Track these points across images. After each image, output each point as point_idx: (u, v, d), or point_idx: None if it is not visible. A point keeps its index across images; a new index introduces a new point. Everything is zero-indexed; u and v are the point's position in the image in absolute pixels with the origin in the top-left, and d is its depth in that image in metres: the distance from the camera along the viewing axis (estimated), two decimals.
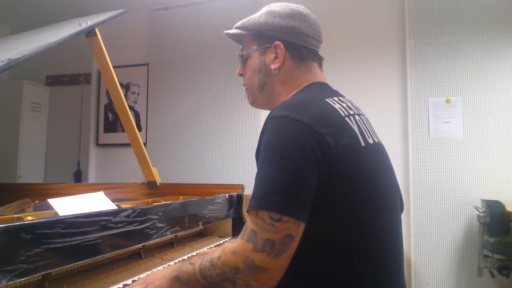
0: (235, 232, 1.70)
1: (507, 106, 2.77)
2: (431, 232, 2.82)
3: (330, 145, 0.77)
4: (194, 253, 1.38)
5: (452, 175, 2.82)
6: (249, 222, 0.76)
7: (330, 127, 0.80)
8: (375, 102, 2.97)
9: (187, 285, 0.81)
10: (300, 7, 1.00)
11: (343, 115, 0.86)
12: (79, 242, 0.86)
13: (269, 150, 0.78)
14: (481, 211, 2.50)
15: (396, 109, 2.98)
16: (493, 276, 2.51)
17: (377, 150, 0.90)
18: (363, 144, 0.84)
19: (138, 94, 3.63)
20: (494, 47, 2.81)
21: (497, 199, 2.52)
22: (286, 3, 1.00)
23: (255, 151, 0.86)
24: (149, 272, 1.09)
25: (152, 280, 0.88)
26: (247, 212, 0.78)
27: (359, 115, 0.92)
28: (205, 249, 1.42)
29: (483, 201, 2.60)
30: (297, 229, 0.74)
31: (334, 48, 3.07)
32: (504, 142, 2.75)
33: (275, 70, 0.97)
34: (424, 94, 2.91)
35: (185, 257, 1.32)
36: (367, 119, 0.97)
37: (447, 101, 2.86)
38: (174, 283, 0.84)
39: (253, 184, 0.80)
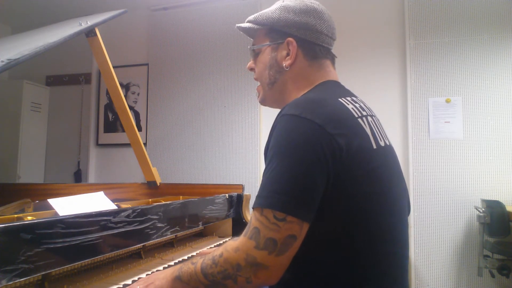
0: (235, 232, 1.70)
1: (507, 106, 2.76)
2: (431, 232, 2.82)
3: (341, 147, 0.76)
4: (194, 253, 1.38)
5: (452, 175, 2.82)
6: (253, 220, 0.76)
7: (342, 129, 0.78)
8: (375, 102, 2.95)
9: (188, 284, 0.81)
10: (315, 3, 0.97)
11: (356, 116, 0.84)
12: (79, 242, 0.86)
13: (279, 148, 0.77)
14: (481, 211, 2.50)
15: (396, 109, 2.98)
16: (493, 276, 2.51)
17: (388, 153, 0.89)
18: (374, 146, 0.83)
19: (138, 94, 3.63)
20: (494, 47, 2.81)
21: (497, 199, 2.52)
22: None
23: (264, 148, 0.86)
24: (149, 272, 1.10)
25: (153, 281, 0.87)
26: (252, 208, 0.78)
27: (371, 116, 0.91)
28: (205, 249, 1.42)
29: (483, 201, 2.60)
30: (301, 229, 0.74)
31: (334, 48, 3.05)
32: (504, 142, 2.75)
33: (287, 67, 0.95)
34: (424, 94, 2.90)
35: (185, 257, 1.32)
36: (378, 120, 0.95)
37: (447, 101, 2.86)
38: (175, 283, 0.83)
39: (260, 181, 0.79)
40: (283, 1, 0.98)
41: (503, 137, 2.76)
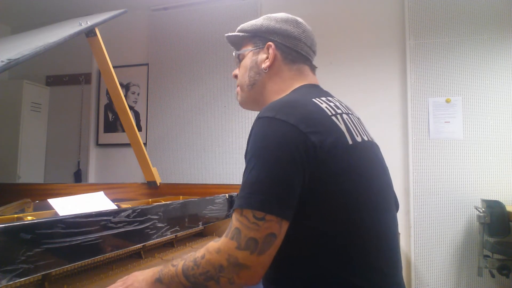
0: None
1: (507, 106, 2.76)
2: (431, 232, 2.82)
3: (315, 145, 0.78)
4: None
5: (452, 175, 2.82)
6: (234, 221, 0.77)
7: (315, 127, 0.81)
8: (375, 102, 2.97)
9: (168, 287, 0.82)
10: (298, 18, 1.04)
11: (330, 114, 0.87)
12: (79, 242, 0.86)
13: (255, 150, 0.81)
14: (481, 211, 2.50)
15: (396, 109, 2.98)
16: (493, 276, 2.51)
17: (367, 148, 0.90)
18: (350, 142, 0.84)
19: (138, 94, 3.63)
20: (494, 47, 2.81)
21: (497, 199, 2.52)
22: (286, 13, 1.04)
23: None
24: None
25: (131, 282, 0.87)
26: (233, 210, 0.80)
27: (347, 114, 0.92)
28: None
29: (483, 201, 2.60)
30: (280, 228, 0.76)
31: (334, 48, 3.07)
32: (504, 142, 2.75)
33: (265, 70, 0.99)
34: (424, 94, 2.90)
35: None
36: (358, 118, 0.97)
37: (447, 101, 2.86)
38: (155, 286, 0.84)
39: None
40: (269, 14, 1.06)
41: (503, 137, 2.76)
